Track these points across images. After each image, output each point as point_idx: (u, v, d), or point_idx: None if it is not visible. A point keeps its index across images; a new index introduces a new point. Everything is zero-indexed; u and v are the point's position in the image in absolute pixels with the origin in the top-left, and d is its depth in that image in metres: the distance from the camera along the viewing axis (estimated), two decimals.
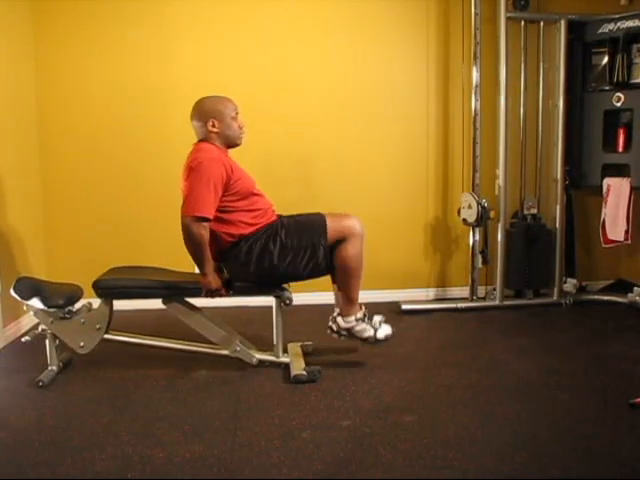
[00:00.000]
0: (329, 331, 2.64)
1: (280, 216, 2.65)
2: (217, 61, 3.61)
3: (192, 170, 2.43)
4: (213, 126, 2.55)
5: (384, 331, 2.62)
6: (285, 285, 2.64)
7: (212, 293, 2.53)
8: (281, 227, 2.53)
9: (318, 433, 2.05)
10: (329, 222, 2.51)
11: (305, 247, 2.49)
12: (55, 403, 2.34)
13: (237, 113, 2.60)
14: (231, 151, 2.66)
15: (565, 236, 3.70)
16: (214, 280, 2.50)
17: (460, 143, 3.74)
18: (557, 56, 3.56)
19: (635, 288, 3.51)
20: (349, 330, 2.59)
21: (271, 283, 2.60)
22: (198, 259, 2.45)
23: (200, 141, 2.59)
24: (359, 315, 2.59)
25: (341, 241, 2.51)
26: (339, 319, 2.60)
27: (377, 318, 2.64)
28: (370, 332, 2.60)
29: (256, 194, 2.59)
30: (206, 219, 2.41)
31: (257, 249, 2.49)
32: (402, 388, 2.43)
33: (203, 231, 2.41)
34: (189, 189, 2.42)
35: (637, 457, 1.87)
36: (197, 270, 2.51)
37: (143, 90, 3.57)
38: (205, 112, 2.56)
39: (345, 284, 2.55)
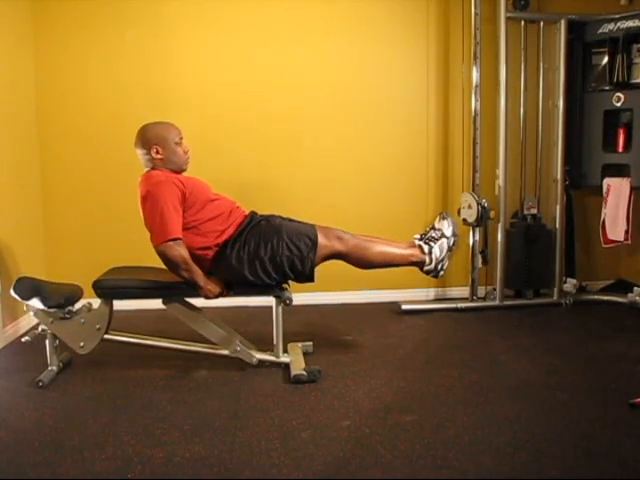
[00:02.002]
0: (435, 277, 2.68)
1: (254, 213, 2.65)
2: (217, 61, 3.61)
3: (146, 200, 2.45)
4: (157, 153, 2.55)
5: (447, 227, 2.65)
6: (285, 285, 2.64)
7: (215, 296, 2.53)
8: (273, 231, 2.52)
9: (318, 433, 2.05)
10: (320, 240, 2.53)
11: (294, 256, 2.49)
12: (55, 403, 2.34)
13: (181, 138, 2.61)
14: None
15: (565, 236, 3.70)
16: (213, 287, 2.51)
17: (460, 143, 3.74)
18: (557, 56, 3.56)
19: (635, 288, 3.51)
20: (439, 262, 2.62)
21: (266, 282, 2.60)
22: (188, 277, 2.47)
23: (148, 170, 2.60)
24: (426, 249, 2.62)
25: (345, 258, 2.57)
26: (425, 269, 2.63)
27: (433, 232, 2.66)
28: (444, 241, 2.63)
29: (213, 199, 2.58)
30: (177, 239, 2.41)
31: (246, 255, 2.49)
32: (402, 388, 2.43)
33: (181, 250, 2.42)
34: (150, 219, 2.44)
35: (637, 457, 1.87)
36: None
37: (143, 90, 3.57)
38: (148, 139, 2.56)
39: (390, 264, 2.61)
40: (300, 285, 2.66)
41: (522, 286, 3.70)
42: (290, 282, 2.69)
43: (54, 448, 1.98)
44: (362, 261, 2.59)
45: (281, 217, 2.66)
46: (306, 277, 2.55)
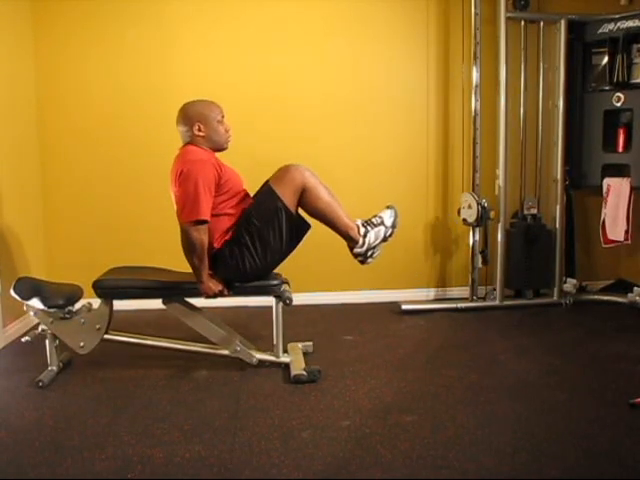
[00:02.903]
0: (361, 263, 2.63)
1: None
2: (217, 62, 3.61)
3: (183, 175, 2.42)
4: (199, 130, 2.55)
5: (388, 217, 2.63)
6: (285, 285, 2.63)
7: (214, 295, 2.53)
8: (244, 220, 2.50)
9: (318, 433, 2.05)
10: (277, 189, 2.47)
11: (271, 220, 2.46)
12: (55, 403, 2.34)
13: (223, 117, 2.60)
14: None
15: (565, 236, 3.70)
16: (213, 285, 2.50)
17: (460, 143, 3.74)
18: (557, 56, 3.56)
19: (635, 288, 3.51)
20: (370, 249, 2.58)
21: (270, 268, 2.59)
22: (197, 266, 2.45)
23: (186, 144, 2.58)
24: (362, 231, 2.57)
25: (301, 195, 2.49)
26: (355, 250, 2.58)
27: (374, 219, 2.62)
28: (382, 230, 2.60)
29: (243, 196, 2.58)
30: (205, 222, 2.41)
31: (237, 248, 2.48)
32: (402, 388, 2.43)
33: (204, 236, 2.41)
34: (184, 195, 2.41)
35: (637, 457, 1.87)
36: None
37: (143, 90, 3.57)
38: (191, 116, 2.55)
39: (331, 223, 2.54)
40: (300, 285, 2.66)
41: (522, 286, 3.70)
42: (290, 280, 2.69)
43: (54, 448, 1.98)
44: (312, 202, 2.50)
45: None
46: (296, 226, 2.50)
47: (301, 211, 2.56)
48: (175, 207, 2.50)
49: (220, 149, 2.62)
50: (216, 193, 2.46)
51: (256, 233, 2.47)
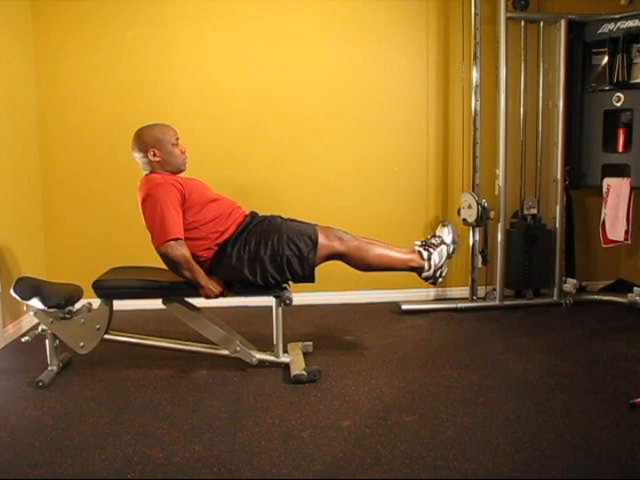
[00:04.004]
0: (433, 285, 2.71)
1: (254, 213, 2.65)
2: (217, 62, 3.61)
3: (145, 202, 2.45)
4: (154, 155, 2.56)
5: (447, 234, 2.67)
6: (285, 285, 2.63)
7: (215, 296, 2.53)
8: (273, 231, 2.52)
9: (318, 433, 2.05)
10: (320, 239, 2.53)
11: (297, 256, 2.50)
12: (55, 403, 2.34)
13: (177, 139, 2.61)
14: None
15: (565, 236, 3.70)
16: (214, 286, 2.51)
17: (460, 143, 3.74)
18: (557, 56, 3.56)
19: (635, 288, 3.51)
20: (437, 270, 2.63)
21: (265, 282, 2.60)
22: (190, 277, 2.47)
23: (146, 175, 2.60)
24: (425, 255, 2.62)
25: (344, 258, 2.57)
26: (424, 275, 2.63)
27: (433, 239, 2.67)
28: (444, 248, 2.64)
29: (214, 200, 2.58)
30: (178, 239, 2.42)
31: (247, 254, 2.49)
32: (402, 388, 2.43)
33: (182, 250, 2.42)
34: (151, 220, 2.44)
35: (637, 457, 1.87)
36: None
37: (143, 90, 3.57)
38: (144, 142, 2.57)
39: (389, 268, 2.62)
40: (300, 285, 2.66)
41: (522, 286, 3.70)
42: (290, 283, 2.69)
43: (54, 448, 1.98)
44: (362, 263, 2.59)
45: (282, 217, 2.66)
46: (306, 277, 2.55)
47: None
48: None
49: (178, 171, 2.62)
50: (185, 209, 2.48)
51: (277, 254, 2.48)
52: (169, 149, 2.57)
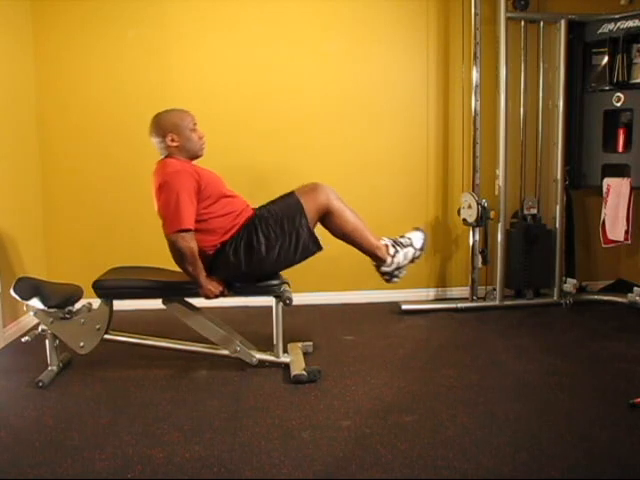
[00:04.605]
0: (387, 282, 2.67)
1: (255, 209, 2.63)
2: (217, 62, 3.61)
3: (162, 188, 2.43)
4: (172, 140, 2.55)
5: (418, 239, 2.67)
6: (285, 285, 2.63)
7: (215, 297, 2.53)
8: (259, 220, 2.50)
9: (318, 433, 2.05)
10: (304, 203, 2.49)
11: (289, 233, 2.47)
12: (55, 403, 2.34)
13: (195, 124, 2.60)
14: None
15: (565, 236, 3.70)
16: (213, 286, 2.51)
17: (460, 143, 3.74)
18: (557, 56, 3.56)
19: (635, 288, 3.51)
20: (397, 270, 2.62)
21: (267, 276, 2.59)
22: (192, 273, 2.46)
23: (163, 158, 2.59)
24: (391, 251, 2.60)
25: (324, 216, 2.51)
26: (382, 269, 2.62)
27: (402, 239, 2.66)
28: (410, 251, 2.64)
29: (227, 196, 2.58)
30: (189, 230, 2.41)
31: (242, 248, 2.48)
32: (402, 388, 2.43)
33: (191, 243, 2.42)
34: (165, 207, 2.43)
35: (637, 457, 1.87)
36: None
37: (143, 90, 3.57)
38: (163, 127, 2.55)
39: (358, 245, 2.57)
40: (300, 285, 2.66)
41: (522, 286, 3.70)
42: (291, 280, 2.69)
43: (54, 448, 1.98)
44: (339, 227, 2.53)
45: (263, 206, 2.61)
46: (309, 247, 2.50)
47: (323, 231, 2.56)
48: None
49: (195, 157, 2.62)
50: (199, 200, 2.47)
51: (270, 238, 2.47)
52: (187, 134, 2.56)
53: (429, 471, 1.81)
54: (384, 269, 2.62)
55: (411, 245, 2.65)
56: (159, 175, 2.49)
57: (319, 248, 2.53)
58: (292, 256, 2.51)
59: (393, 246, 2.62)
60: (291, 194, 2.55)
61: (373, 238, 2.58)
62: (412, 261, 2.67)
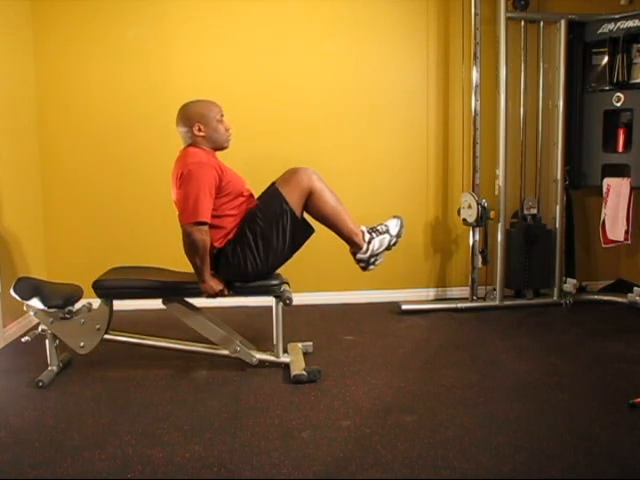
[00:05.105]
0: (363, 270, 2.65)
1: None
2: (217, 62, 3.61)
3: (184, 177, 2.42)
4: (199, 130, 2.55)
5: (394, 226, 2.65)
6: (285, 285, 2.63)
7: (215, 295, 2.53)
8: (248, 219, 2.50)
9: (318, 433, 2.05)
10: (283, 191, 2.48)
11: (275, 223, 2.47)
12: (55, 403, 2.34)
13: (222, 115, 2.60)
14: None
15: (565, 236, 3.70)
16: (215, 284, 2.51)
17: (460, 143, 3.74)
18: (557, 56, 3.56)
19: (635, 288, 3.51)
20: (373, 256, 2.60)
21: (270, 272, 2.59)
22: (199, 266, 2.46)
23: (187, 146, 2.58)
24: (367, 238, 2.59)
25: (307, 199, 2.50)
26: (358, 256, 2.61)
27: (379, 227, 2.65)
28: (386, 238, 2.62)
29: (245, 196, 2.58)
30: (205, 224, 2.41)
31: (239, 249, 2.49)
32: (402, 388, 2.43)
33: (205, 236, 2.42)
34: (184, 197, 2.42)
35: (637, 457, 1.87)
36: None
37: (143, 90, 3.57)
38: (190, 117, 2.55)
39: (336, 228, 2.56)
40: (300, 285, 2.66)
41: (522, 286, 3.70)
42: (290, 280, 2.69)
43: (54, 448, 1.98)
44: (318, 208, 2.52)
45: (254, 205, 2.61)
46: (300, 231, 2.51)
47: (307, 215, 2.56)
48: (176, 209, 2.50)
49: (221, 148, 2.62)
50: (218, 195, 2.47)
51: (259, 233, 2.47)
52: (214, 125, 2.56)
53: (429, 471, 1.81)
54: (359, 256, 2.60)
55: (387, 232, 2.63)
56: (182, 164, 2.47)
57: (310, 231, 2.54)
58: (285, 245, 2.50)
59: (369, 232, 2.61)
60: (271, 185, 2.55)
61: (351, 224, 2.57)
62: (388, 248, 2.64)
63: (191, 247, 2.43)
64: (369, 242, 2.59)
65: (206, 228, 2.42)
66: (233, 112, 3.61)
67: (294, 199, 2.48)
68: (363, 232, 2.60)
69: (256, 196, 2.63)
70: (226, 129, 2.61)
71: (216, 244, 2.51)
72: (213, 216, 2.46)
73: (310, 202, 2.51)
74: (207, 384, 2.51)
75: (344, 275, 3.73)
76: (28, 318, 3.21)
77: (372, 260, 2.61)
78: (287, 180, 2.52)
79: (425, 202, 3.81)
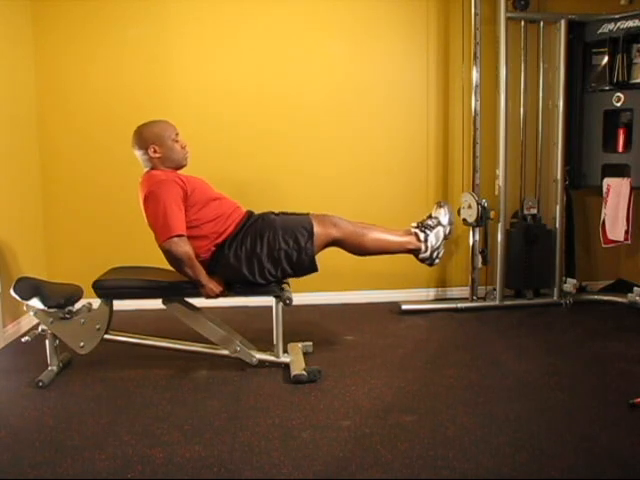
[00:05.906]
0: (429, 266, 2.71)
1: (251, 212, 2.64)
2: (217, 62, 3.61)
3: (148, 199, 2.44)
4: (155, 152, 2.55)
5: (444, 215, 2.68)
6: (285, 285, 2.64)
7: (216, 296, 2.53)
8: (268, 228, 2.52)
9: (318, 433, 2.05)
10: (316, 228, 2.52)
11: (294, 250, 2.49)
12: (55, 403, 2.34)
13: (177, 134, 2.60)
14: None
15: (565, 236, 3.70)
16: (214, 286, 2.51)
17: (460, 143, 3.74)
18: (557, 56, 3.56)
19: (635, 288, 3.51)
20: (435, 251, 2.64)
21: (262, 281, 2.59)
22: (192, 275, 2.47)
23: (147, 171, 2.60)
24: (422, 237, 2.63)
25: (342, 243, 2.55)
26: (421, 257, 2.65)
27: (430, 221, 2.68)
28: (440, 230, 2.66)
29: (215, 199, 2.58)
30: (181, 236, 2.42)
31: (244, 251, 2.49)
32: (402, 388, 2.43)
33: (186, 247, 2.42)
34: (154, 217, 2.44)
35: (637, 457, 1.87)
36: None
37: (143, 90, 3.57)
38: (145, 139, 2.56)
39: (386, 252, 2.63)
40: (300, 285, 2.67)
41: (522, 286, 3.70)
42: (290, 280, 2.69)
43: (54, 448, 1.98)
44: (359, 248, 2.58)
45: (274, 213, 2.65)
46: (308, 268, 2.54)
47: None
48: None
49: (180, 166, 2.62)
50: (188, 207, 2.47)
51: (274, 248, 2.48)
52: (169, 145, 2.56)
53: (429, 471, 1.81)
54: (422, 256, 2.65)
55: (439, 224, 2.66)
56: (144, 187, 2.50)
57: (314, 270, 2.56)
58: (289, 271, 2.53)
59: (422, 231, 2.64)
60: (306, 214, 2.59)
61: (398, 236, 2.62)
62: (446, 238, 2.68)
63: (176, 262, 2.44)
64: (425, 240, 2.62)
65: (184, 239, 2.42)
66: (233, 111, 3.64)
67: (319, 240, 2.51)
68: (416, 234, 2.64)
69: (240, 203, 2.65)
70: (182, 147, 2.60)
71: (205, 252, 2.51)
72: (191, 227, 2.47)
73: (351, 245, 2.57)
74: (207, 384, 2.51)
75: (344, 275, 3.73)
76: (28, 318, 3.21)
77: (435, 255, 2.66)
78: (322, 219, 2.56)
79: (425, 202, 3.80)
